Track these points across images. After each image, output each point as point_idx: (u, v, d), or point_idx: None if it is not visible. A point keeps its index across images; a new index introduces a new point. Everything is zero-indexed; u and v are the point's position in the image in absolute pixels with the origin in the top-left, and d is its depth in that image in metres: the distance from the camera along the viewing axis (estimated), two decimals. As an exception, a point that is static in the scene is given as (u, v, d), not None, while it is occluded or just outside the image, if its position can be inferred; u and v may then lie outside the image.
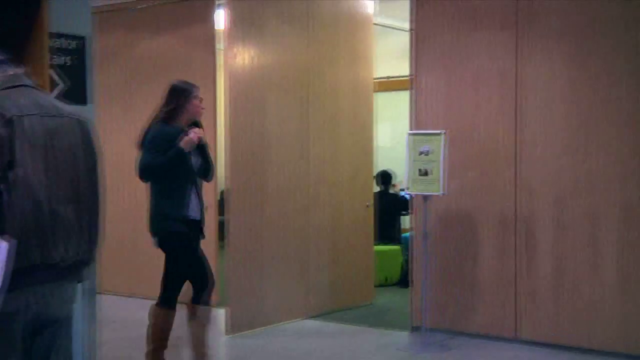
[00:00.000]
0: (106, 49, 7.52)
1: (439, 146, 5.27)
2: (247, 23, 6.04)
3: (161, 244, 4.55)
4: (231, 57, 5.90)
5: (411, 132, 5.51)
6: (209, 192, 6.97)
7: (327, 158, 6.82)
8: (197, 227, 4.60)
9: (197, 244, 4.64)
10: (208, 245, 6.77)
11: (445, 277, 5.75)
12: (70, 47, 3.61)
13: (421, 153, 5.34)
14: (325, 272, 6.79)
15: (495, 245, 5.55)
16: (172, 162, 4.42)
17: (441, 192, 5.27)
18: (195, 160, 4.56)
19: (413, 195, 5.74)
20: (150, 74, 7.35)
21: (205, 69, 6.99)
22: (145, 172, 4.50)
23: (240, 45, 5.98)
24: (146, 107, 7.25)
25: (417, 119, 5.85)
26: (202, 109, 4.68)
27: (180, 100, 4.54)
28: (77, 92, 3.61)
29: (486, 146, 5.57)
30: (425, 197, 5.44)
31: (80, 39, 3.64)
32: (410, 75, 5.91)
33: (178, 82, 4.67)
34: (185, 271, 4.57)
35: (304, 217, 6.59)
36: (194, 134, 4.45)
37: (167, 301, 4.55)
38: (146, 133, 4.57)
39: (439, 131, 5.34)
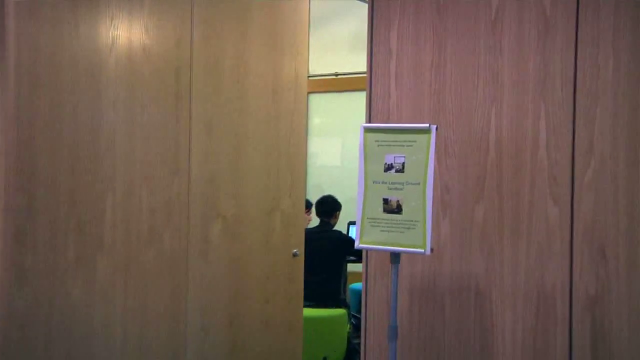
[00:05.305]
0: None
1: (423, 154, 2.60)
2: None
3: None
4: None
5: (367, 125, 2.80)
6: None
7: (225, 178, 4.11)
8: None
9: None
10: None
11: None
12: None
13: (389, 168, 2.65)
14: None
15: (532, 351, 2.90)
16: None
17: (427, 248, 2.60)
18: None
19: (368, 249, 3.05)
20: None
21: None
22: None
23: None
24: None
25: (378, 109, 3.22)
26: None
27: None
28: None
29: (513, 158, 2.93)
30: (395, 255, 2.77)
31: None
32: (368, 32, 3.29)
33: None
34: None
35: (179, 276, 3.85)
36: None
37: None
38: None
39: (423, 125, 2.68)
